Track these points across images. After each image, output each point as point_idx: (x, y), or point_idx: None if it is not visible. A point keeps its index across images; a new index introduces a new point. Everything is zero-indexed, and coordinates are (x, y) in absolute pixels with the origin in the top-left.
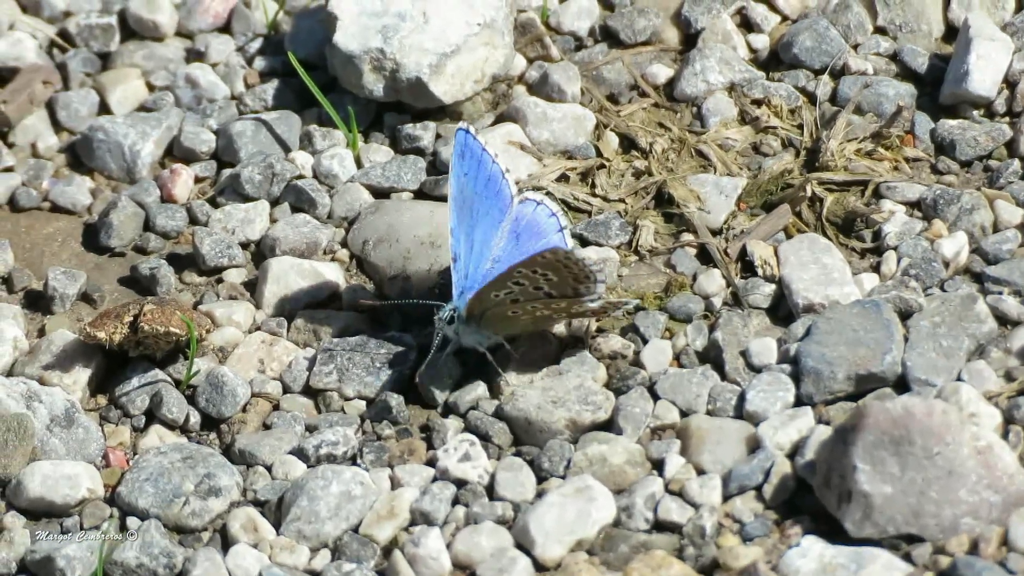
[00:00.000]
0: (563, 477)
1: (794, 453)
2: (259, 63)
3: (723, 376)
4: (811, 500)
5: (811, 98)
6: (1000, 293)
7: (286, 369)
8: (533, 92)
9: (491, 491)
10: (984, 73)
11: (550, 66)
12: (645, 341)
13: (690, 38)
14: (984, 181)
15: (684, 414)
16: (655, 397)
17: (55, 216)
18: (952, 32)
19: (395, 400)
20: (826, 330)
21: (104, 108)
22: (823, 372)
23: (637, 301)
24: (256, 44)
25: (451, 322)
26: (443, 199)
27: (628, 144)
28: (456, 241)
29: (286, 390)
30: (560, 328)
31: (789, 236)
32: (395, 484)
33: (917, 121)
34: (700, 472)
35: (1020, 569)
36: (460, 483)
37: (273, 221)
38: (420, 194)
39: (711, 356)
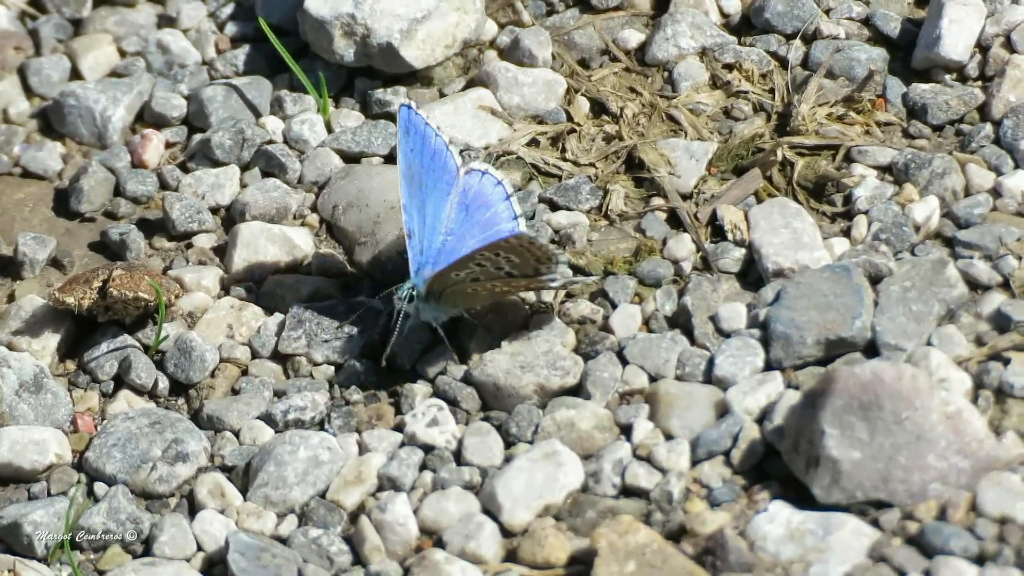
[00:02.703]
0: (531, 442)
1: (763, 418)
2: (230, 28)
3: (692, 341)
4: (779, 465)
5: (783, 62)
6: (971, 258)
7: (255, 334)
8: (504, 57)
9: (459, 456)
10: (956, 37)
11: (521, 31)
12: (614, 306)
13: (662, 3)
14: (956, 145)
15: (653, 379)
16: (624, 362)
17: (26, 182)
18: None
19: (363, 365)
20: (796, 295)
21: (76, 74)
22: (792, 337)
23: (597, 276)
24: (227, 9)
25: (410, 300)
26: None
27: (599, 109)
28: (409, 217)
29: (255, 355)
30: (529, 294)
31: (759, 200)
32: (363, 449)
33: (889, 85)
34: (668, 437)
35: (988, 535)
36: (428, 448)
37: (243, 186)
38: (390, 159)
39: (680, 321)
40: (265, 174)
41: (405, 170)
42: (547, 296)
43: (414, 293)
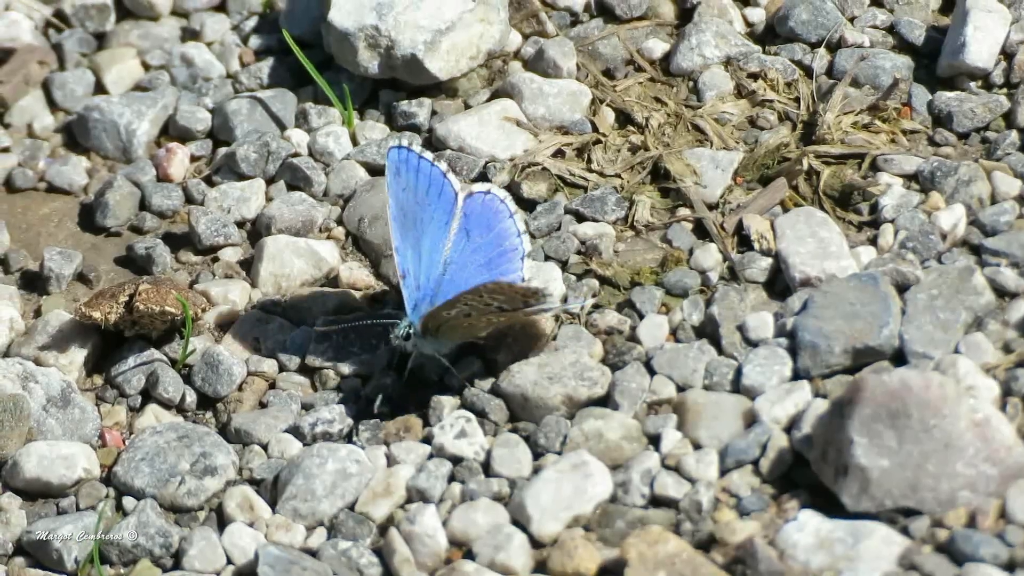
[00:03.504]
0: (559, 453)
1: (791, 427)
2: (254, 41)
3: (720, 351)
4: (808, 474)
5: (807, 71)
6: (998, 265)
7: (282, 348)
8: (529, 68)
9: (487, 468)
10: (981, 44)
11: (546, 42)
12: (641, 316)
13: (686, 12)
14: (982, 153)
15: (680, 389)
16: (651, 372)
17: (51, 196)
18: (949, 4)
19: (391, 377)
20: (823, 304)
21: (100, 88)
22: (820, 346)
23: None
24: (251, 22)
25: (407, 338)
26: None
27: (624, 119)
28: (403, 258)
29: (282, 368)
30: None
31: (786, 210)
32: (391, 461)
33: (914, 93)
34: (697, 447)
35: (1018, 542)
36: (456, 460)
37: (269, 199)
38: None
39: (707, 331)
40: (291, 187)
41: (396, 212)
42: (573, 307)
43: (411, 331)
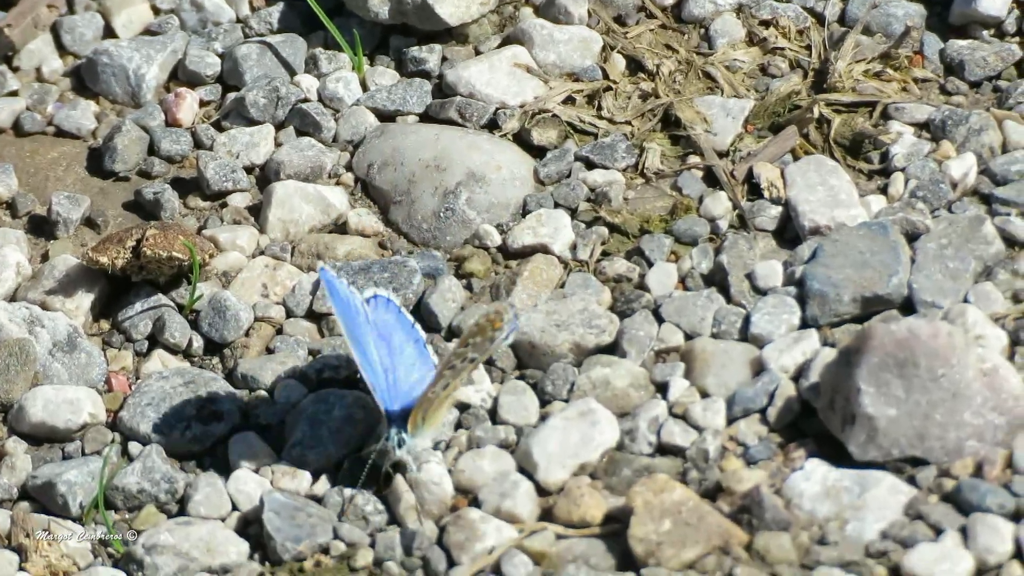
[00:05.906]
0: (566, 400)
1: (799, 376)
2: None
3: (728, 299)
4: (815, 423)
5: (819, 19)
6: (1008, 214)
7: (289, 293)
8: (540, 14)
9: (494, 415)
10: None
11: None
12: (650, 264)
13: None
14: (993, 102)
15: (688, 337)
16: (659, 320)
17: (59, 140)
18: None
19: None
20: (832, 252)
21: (109, 32)
22: (829, 294)
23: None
24: None
25: (401, 444)
26: (449, 122)
27: (635, 66)
28: (365, 373)
29: (289, 314)
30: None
31: (796, 158)
32: None
33: (926, 41)
34: (704, 395)
35: None
36: (463, 407)
37: (278, 145)
38: (425, 117)
39: (716, 279)
40: (300, 133)
41: (345, 331)
42: (582, 254)
43: (403, 437)
